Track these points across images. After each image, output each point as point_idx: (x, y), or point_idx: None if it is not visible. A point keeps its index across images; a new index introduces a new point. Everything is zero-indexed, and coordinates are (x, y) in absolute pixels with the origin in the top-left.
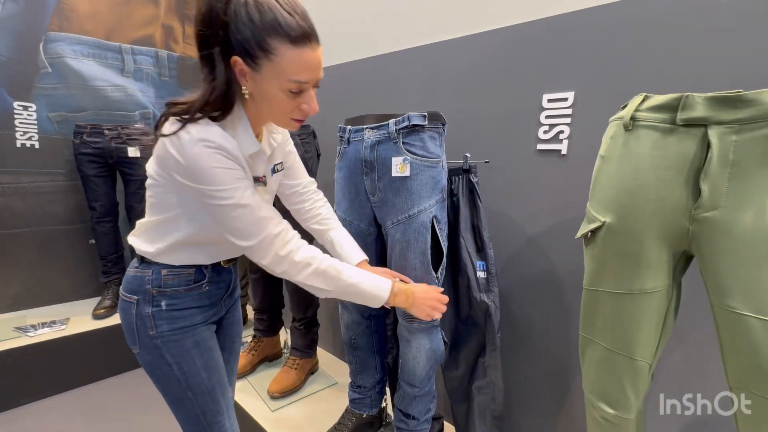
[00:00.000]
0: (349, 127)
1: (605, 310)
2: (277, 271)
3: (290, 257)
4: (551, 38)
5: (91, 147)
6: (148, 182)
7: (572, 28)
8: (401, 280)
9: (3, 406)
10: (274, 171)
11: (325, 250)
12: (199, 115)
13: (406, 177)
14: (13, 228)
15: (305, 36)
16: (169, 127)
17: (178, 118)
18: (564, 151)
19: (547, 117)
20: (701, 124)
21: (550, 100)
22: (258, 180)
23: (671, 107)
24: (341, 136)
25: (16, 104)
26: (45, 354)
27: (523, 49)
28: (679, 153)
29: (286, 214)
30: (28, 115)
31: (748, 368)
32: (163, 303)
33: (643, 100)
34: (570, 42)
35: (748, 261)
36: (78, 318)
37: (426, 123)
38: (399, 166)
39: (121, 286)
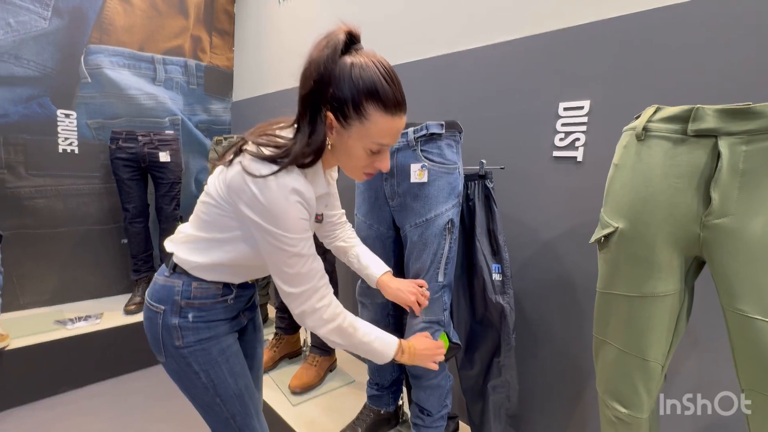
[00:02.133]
0: None
1: (618, 313)
2: (306, 322)
3: (320, 312)
4: (568, 48)
5: (126, 152)
6: (204, 199)
7: (589, 38)
8: (423, 295)
9: (43, 393)
10: (325, 205)
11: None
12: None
13: (424, 183)
14: (54, 227)
15: (397, 106)
16: (257, 167)
17: (270, 159)
18: (579, 158)
19: (563, 125)
20: (712, 134)
21: (566, 109)
22: (317, 218)
23: (682, 118)
24: None
25: (59, 112)
26: (81, 346)
27: (540, 59)
28: (690, 162)
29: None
30: (69, 122)
31: (758, 370)
32: (190, 315)
33: (655, 112)
34: (586, 52)
35: (757, 266)
36: (111, 313)
37: (443, 131)
38: (417, 173)
39: (147, 294)
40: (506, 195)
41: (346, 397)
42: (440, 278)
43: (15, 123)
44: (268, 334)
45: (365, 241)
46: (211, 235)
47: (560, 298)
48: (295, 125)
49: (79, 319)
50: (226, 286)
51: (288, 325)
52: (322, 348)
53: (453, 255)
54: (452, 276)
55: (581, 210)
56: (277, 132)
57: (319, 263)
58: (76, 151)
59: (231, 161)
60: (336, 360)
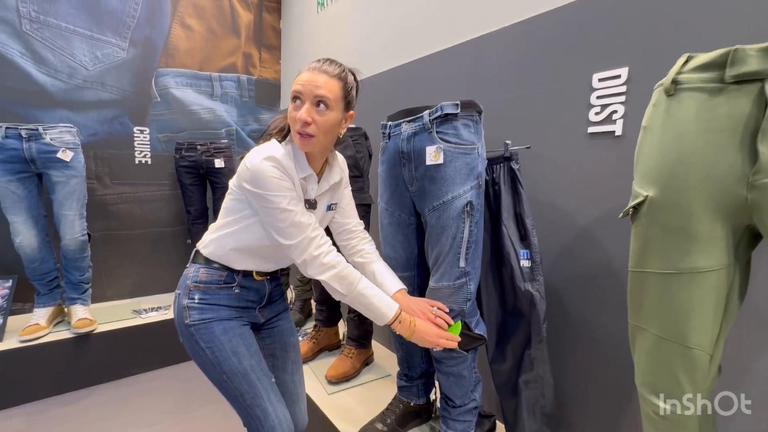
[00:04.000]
0: (389, 123)
1: (653, 293)
2: (309, 271)
3: (320, 258)
4: (598, 15)
5: (187, 160)
6: (227, 195)
7: (618, 1)
8: (438, 308)
9: (120, 373)
10: (329, 208)
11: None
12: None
13: (440, 164)
14: (132, 229)
15: (315, 63)
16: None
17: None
18: (618, 132)
19: (599, 97)
20: (757, 79)
21: (600, 80)
22: (308, 201)
23: (718, 64)
24: (383, 132)
25: (135, 129)
26: (153, 333)
27: (568, 31)
28: (731, 114)
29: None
30: (144, 137)
31: None
32: (196, 296)
33: (687, 61)
34: (619, 16)
35: None
36: None
37: (459, 111)
38: (433, 155)
39: None
40: (538, 178)
41: (381, 390)
42: (461, 263)
43: (102, 140)
44: (308, 327)
45: (386, 228)
46: (226, 219)
47: (600, 287)
48: None
49: (152, 309)
50: (229, 274)
51: (326, 317)
52: (359, 340)
53: (475, 239)
54: (478, 263)
55: (622, 189)
56: None
57: (308, 218)
58: (150, 162)
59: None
60: (372, 354)
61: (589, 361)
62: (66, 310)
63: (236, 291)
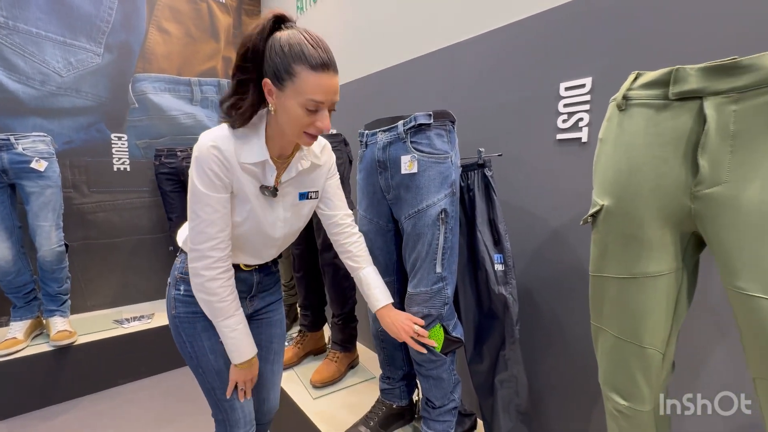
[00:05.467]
0: (366, 131)
1: (611, 296)
2: (194, 280)
3: (201, 279)
4: (564, 26)
5: (167, 167)
6: None
7: (584, 13)
8: (417, 333)
9: (103, 385)
10: (307, 197)
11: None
12: (224, 110)
13: (414, 173)
14: (112, 238)
15: (324, 64)
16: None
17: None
18: (584, 139)
19: (566, 105)
20: (696, 96)
21: (567, 88)
22: (266, 188)
23: (663, 82)
24: (360, 141)
25: (112, 136)
26: (136, 343)
27: (536, 41)
28: (675, 128)
29: None
30: (122, 144)
31: (765, 354)
32: (182, 288)
33: (635, 78)
34: (583, 27)
35: (756, 238)
36: (160, 314)
37: (432, 121)
38: (407, 164)
39: None
40: (510, 184)
41: (365, 393)
42: (438, 269)
43: (78, 148)
44: (294, 332)
45: (367, 235)
46: None
47: (571, 287)
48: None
49: (134, 318)
50: None
51: (311, 322)
52: (343, 344)
53: (450, 245)
54: (454, 267)
55: (589, 194)
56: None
57: (218, 232)
58: (128, 169)
59: None
60: (358, 357)
61: (561, 360)
62: (44, 322)
63: None
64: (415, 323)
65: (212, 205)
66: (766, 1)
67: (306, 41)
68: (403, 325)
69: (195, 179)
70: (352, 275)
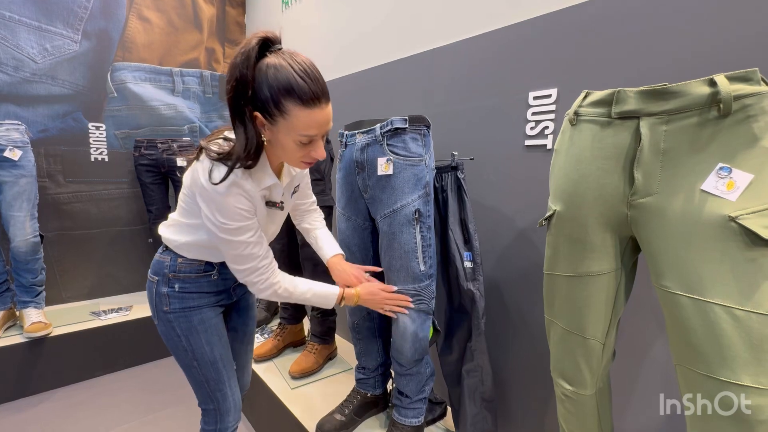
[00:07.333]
0: (346, 132)
1: (561, 293)
2: (250, 290)
3: (258, 285)
4: (534, 39)
5: (147, 158)
6: (183, 190)
7: (554, 27)
8: (368, 280)
9: (81, 377)
10: (294, 193)
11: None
12: (238, 165)
13: (390, 175)
14: (89, 229)
15: (315, 98)
16: (216, 172)
17: (221, 162)
18: (549, 146)
19: (534, 114)
20: (634, 116)
21: (535, 98)
22: (275, 205)
23: (607, 102)
24: (340, 141)
25: (90, 125)
26: (114, 334)
27: (510, 51)
28: (616, 144)
29: None
30: (99, 134)
31: (683, 345)
32: (176, 285)
33: (585, 97)
34: (552, 41)
35: (678, 243)
36: (139, 306)
37: (407, 126)
38: (384, 166)
39: (150, 268)
40: (481, 186)
41: (342, 383)
42: (422, 267)
43: (54, 137)
44: (273, 324)
45: (344, 232)
46: (188, 220)
47: (534, 283)
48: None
49: (112, 311)
50: (208, 264)
51: (291, 315)
52: (322, 337)
53: (429, 243)
54: (434, 263)
55: None
56: (225, 134)
57: (260, 249)
58: (106, 160)
59: (195, 160)
60: (336, 349)
61: (525, 351)
62: (18, 314)
63: (215, 277)
64: (366, 271)
65: (253, 229)
66: (711, 25)
67: (294, 73)
68: (355, 274)
69: (224, 219)
70: (307, 239)
